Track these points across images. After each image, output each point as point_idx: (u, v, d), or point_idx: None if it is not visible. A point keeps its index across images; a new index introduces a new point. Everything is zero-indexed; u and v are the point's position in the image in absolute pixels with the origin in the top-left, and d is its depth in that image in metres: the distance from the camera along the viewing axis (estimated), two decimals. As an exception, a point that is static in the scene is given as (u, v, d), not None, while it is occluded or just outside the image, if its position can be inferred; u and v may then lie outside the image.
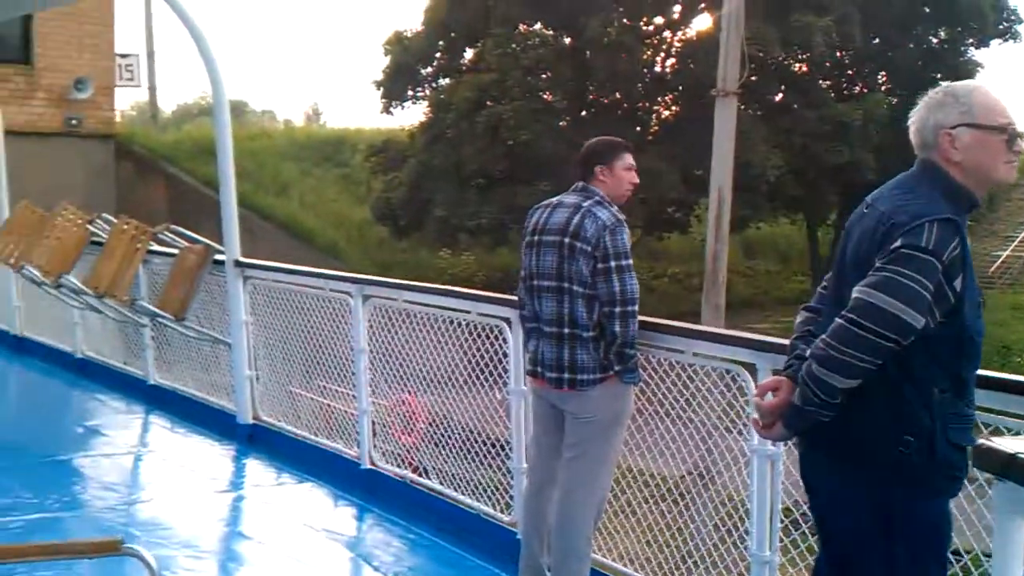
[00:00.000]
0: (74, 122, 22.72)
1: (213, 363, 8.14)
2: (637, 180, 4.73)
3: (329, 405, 7.19)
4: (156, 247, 8.36)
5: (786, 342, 3.96)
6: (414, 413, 6.69)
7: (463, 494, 5.65)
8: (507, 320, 5.29)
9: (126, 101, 46.39)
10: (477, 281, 23.82)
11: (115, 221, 8.59)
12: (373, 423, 6.32)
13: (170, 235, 8.31)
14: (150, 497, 6.24)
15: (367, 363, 6.34)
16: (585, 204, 4.54)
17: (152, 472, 6.90)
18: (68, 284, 8.52)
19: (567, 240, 4.48)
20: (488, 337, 5.48)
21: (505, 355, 5.32)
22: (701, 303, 17.52)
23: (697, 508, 5.52)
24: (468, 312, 5.60)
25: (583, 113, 26.46)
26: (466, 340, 5.69)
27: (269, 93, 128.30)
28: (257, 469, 6.87)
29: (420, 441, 6.44)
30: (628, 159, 4.69)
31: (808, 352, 2.93)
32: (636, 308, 4.41)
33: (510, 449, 5.28)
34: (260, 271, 7.40)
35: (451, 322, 5.77)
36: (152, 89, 31.95)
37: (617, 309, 4.36)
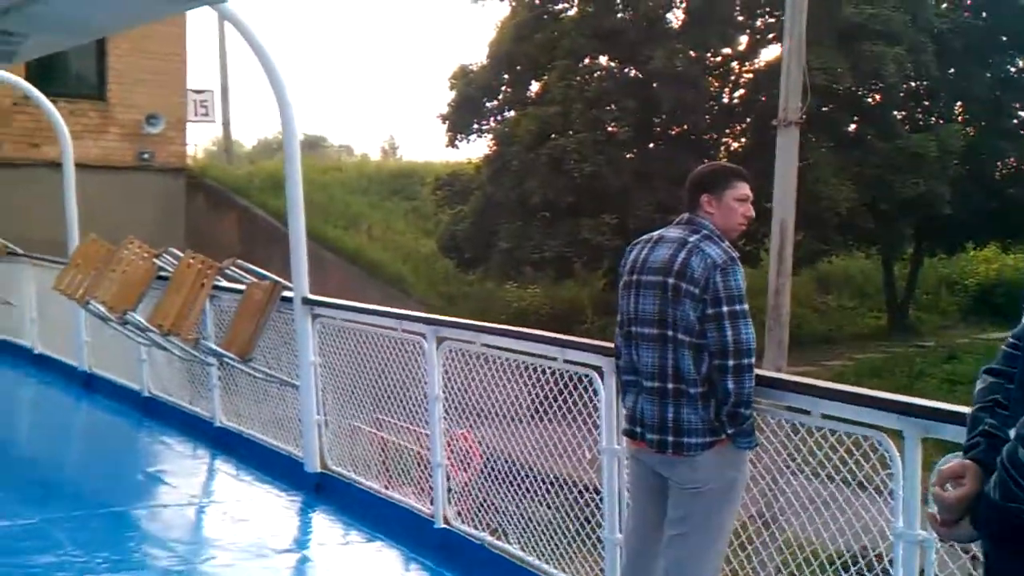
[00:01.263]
0: (146, 156, 22.63)
1: (280, 405, 7.63)
2: (752, 213, 4.10)
3: (398, 443, 6.64)
4: (223, 283, 7.93)
5: (940, 405, 3.35)
6: (469, 449, 6.12)
7: (547, 562, 5.04)
8: (598, 369, 4.69)
9: (206, 137, 46.47)
10: (543, 314, 23.25)
11: (181, 255, 8.17)
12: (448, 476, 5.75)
13: (236, 270, 7.85)
14: (208, 556, 5.72)
15: (442, 411, 5.78)
16: (692, 239, 3.91)
17: (213, 526, 6.38)
18: (133, 321, 8.10)
19: (671, 280, 3.85)
20: (576, 388, 4.88)
21: (596, 408, 4.72)
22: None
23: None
24: (554, 359, 5.00)
25: (651, 145, 25.78)
26: (551, 390, 5.10)
27: (347, 128, 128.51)
28: (324, 524, 6.34)
29: (475, 479, 5.86)
30: (742, 189, 4.04)
31: (1013, 433, 2.28)
32: (752, 360, 3.79)
33: (601, 516, 4.66)
34: (329, 309, 6.88)
35: (534, 369, 5.18)
36: (226, 124, 31.91)
37: (730, 362, 3.75)
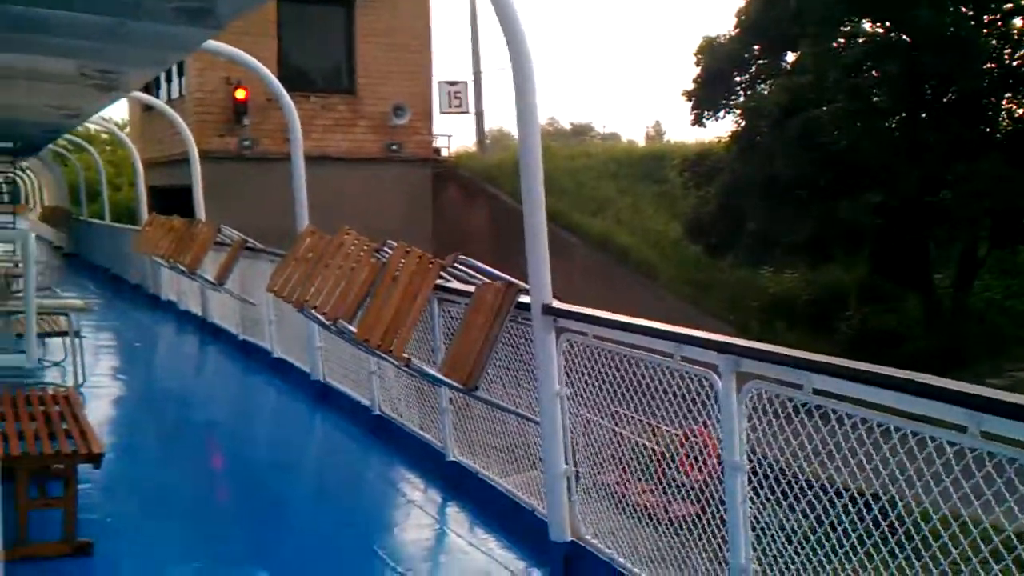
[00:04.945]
0: (394, 148, 21.51)
1: (521, 439, 5.68)
2: None
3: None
4: (453, 283, 6.03)
5: None
6: (705, 446, 4.13)
7: None
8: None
9: (470, 127, 45.25)
10: (801, 302, 20.34)
11: (395, 246, 6.32)
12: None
13: (462, 267, 5.91)
14: None
15: (747, 488, 3.61)
16: None
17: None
18: (347, 332, 6.36)
19: None
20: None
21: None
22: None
23: None
24: (963, 429, 2.72)
25: (917, 114, 22.19)
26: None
27: (615, 115, 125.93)
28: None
29: (710, 478, 3.91)
30: None
31: None
32: None
33: None
34: (579, 322, 4.82)
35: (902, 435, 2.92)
36: (479, 114, 30.28)
37: None
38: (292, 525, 5.60)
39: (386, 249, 6.60)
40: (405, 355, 5.47)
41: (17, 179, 30.86)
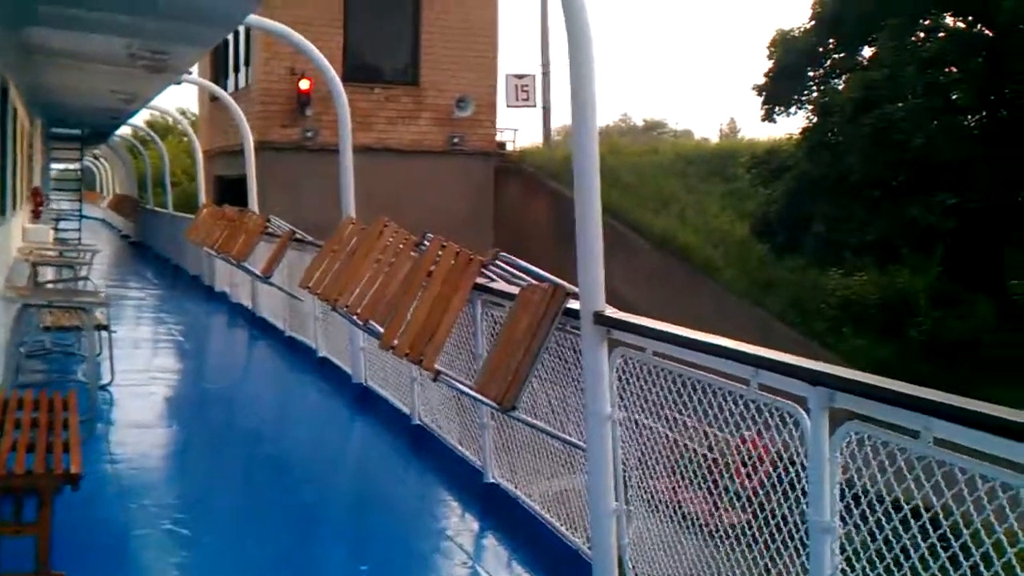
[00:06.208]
0: (456, 140, 20.79)
1: (566, 465, 4.89)
2: None
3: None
4: (494, 281, 5.27)
5: None
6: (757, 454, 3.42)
7: None
8: None
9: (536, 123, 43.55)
10: (869, 305, 19.16)
11: (432, 239, 5.58)
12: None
13: (504, 266, 5.13)
14: None
15: (839, 558, 2.80)
16: None
17: None
18: (377, 335, 5.64)
19: None
20: None
21: None
22: None
23: None
24: None
25: (999, 112, 20.83)
26: None
27: (690, 112, 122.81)
28: None
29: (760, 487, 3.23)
30: None
31: None
32: None
33: None
34: (637, 335, 4.00)
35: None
36: (546, 108, 29.30)
37: None
38: (311, 548, 4.90)
39: (425, 243, 5.86)
40: (435, 367, 4.71)
41: (93, 168, 30.87)
